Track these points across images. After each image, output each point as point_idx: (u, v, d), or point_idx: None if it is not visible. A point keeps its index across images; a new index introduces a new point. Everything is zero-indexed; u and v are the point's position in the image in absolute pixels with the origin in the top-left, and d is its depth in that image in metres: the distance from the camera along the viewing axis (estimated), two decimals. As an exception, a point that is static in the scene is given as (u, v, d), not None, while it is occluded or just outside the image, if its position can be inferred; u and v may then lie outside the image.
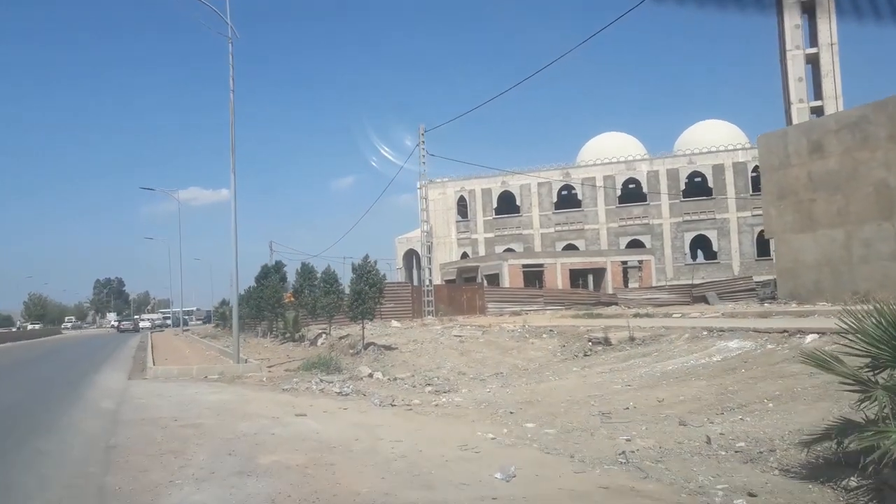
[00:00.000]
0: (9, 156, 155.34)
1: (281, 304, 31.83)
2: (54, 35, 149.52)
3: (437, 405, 10.88)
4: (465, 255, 58.63)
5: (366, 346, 19.85)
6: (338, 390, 13.06)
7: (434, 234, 61.32)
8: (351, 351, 20.71)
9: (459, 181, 60.91)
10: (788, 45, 56.21)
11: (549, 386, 12.16)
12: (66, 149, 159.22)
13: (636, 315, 29.30)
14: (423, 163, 33.69)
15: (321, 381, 14.19)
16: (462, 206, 61.59)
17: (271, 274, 35.29)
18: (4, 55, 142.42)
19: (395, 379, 14.66)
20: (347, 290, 21.20)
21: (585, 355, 15.39)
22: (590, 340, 16.36)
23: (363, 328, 20.20)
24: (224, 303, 68.61)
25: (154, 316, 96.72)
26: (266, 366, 18.13)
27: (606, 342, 15.63)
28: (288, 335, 29.99)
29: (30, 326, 72.90)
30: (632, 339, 15.48)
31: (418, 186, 65.24)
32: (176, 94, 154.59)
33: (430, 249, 35.51)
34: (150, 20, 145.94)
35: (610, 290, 46.33)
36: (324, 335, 26.82)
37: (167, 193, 42.29)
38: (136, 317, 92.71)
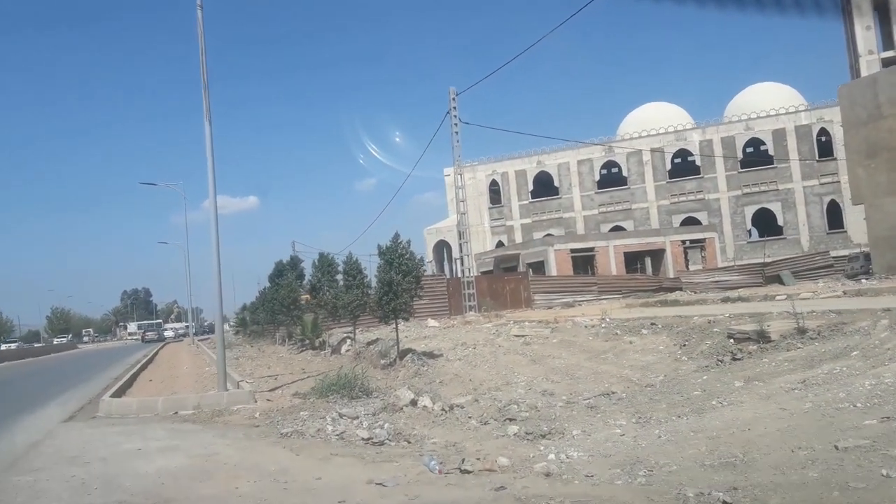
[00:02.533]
0: (42, 169, 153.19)
1: (298, 306, 27.08)
2: (85, 44, 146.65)
3: (546, 473, 5.89)
4: (500, 244, 53.47)
5: (401, 355, 14.93)
6: (366, 435, 8.17)
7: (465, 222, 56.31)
8: (382, 361, 15.82)
9: (490, 164, 55.74)
10: (853, -10, 50.10)
11: (727, 421, 7.07)
12: (98, 160, 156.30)
13: (726, 300, 24.07)
14: (456, 132, 28.70)
15: (341, 415, 9.30)
16: (494, 191, 56.38)
17: (287, 272, 30.57)
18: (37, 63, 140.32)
19: (452, 408, 9.71)
20: (375, 284, 16.31)
21: (735, 359, 10.25)
22: (731, 337, 11.22)
23: (397, 330, 15.26)
24: (244, 308, 64.49)
25: (178, 325, 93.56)
26: (269, 388, 13.30)
27: (762, 337, 10.48)
28: (307, 342, 25.28)
29: (3, 346, 61.00)
30: (801, 331, 10.32)
31: (447, 171, 60.45)
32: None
33: (467, 234, 30.49)
34: (183, 40, 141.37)
35: (671, 274, 40.86)
36: (348, 340, 22.05)
37: (168, 187, 37.96)
38: (160, 326, 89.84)
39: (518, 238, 53.24)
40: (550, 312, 30.15)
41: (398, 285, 14.40)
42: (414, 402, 9.99)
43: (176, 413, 10.70)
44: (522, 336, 16.80)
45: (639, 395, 9.11)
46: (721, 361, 10.33)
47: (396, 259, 14.66)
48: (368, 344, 19.94)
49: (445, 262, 56.58)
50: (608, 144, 53.82)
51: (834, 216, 48.93)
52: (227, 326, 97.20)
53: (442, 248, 55.92)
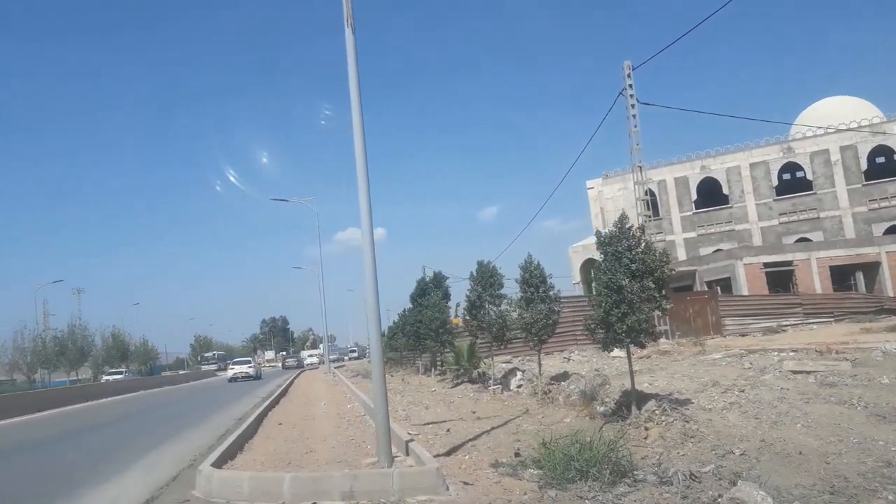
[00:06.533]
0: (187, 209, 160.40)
1: (447, 330, 22.65)
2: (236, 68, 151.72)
3: None
4: (659, 262, 46.79)
5: (639, 402, 9.70)
6: None
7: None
8: (601, 408, 10.70)
9: (645, 171, 49.30)
10: None
11: None
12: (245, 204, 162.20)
13: None
14: (634, 115, 23.41)
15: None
16: (651, 203, 49.85)
17: (430, 291, 26.23)
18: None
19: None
20: (594, 290, 11.32)
21: None
22: None
23: (630, 362, 10.05)
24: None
25: (316, 351, 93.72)
26: (445, 449, 8.55)
27: None
28: (461, 372, 20.60)
29: (104, 378, 50.31)
30: None
31: (590, 184, 54.79)
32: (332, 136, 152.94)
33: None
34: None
35: (891, 292, 33.04)
36: (519, 373, 17.14)
37: (300, 202, 35.18)
38: (298, 354, 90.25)
39: (681, 255, 46.44)
40: (752, 341, 23.96)
41: (633, 293, 9.30)
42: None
43: (312, 506, 6.14)
44: (809, 372, 11.18)
45: None
46: None
47: (626, 253, 9.60)
48: (553, 379, 14.91)
49: (594, 284, 50.58)
50: (786, 144, 46.14)
51: None
52: (351, 354, 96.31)
53: (590, 267, 50.04)
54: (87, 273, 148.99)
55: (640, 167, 24.28)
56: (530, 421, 11.12)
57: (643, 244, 9.87)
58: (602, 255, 9.96)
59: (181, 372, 71.16)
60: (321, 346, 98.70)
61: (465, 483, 6.49)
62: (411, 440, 7.93)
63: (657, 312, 10.02)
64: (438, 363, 26.73)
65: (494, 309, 17.21)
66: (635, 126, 23.57)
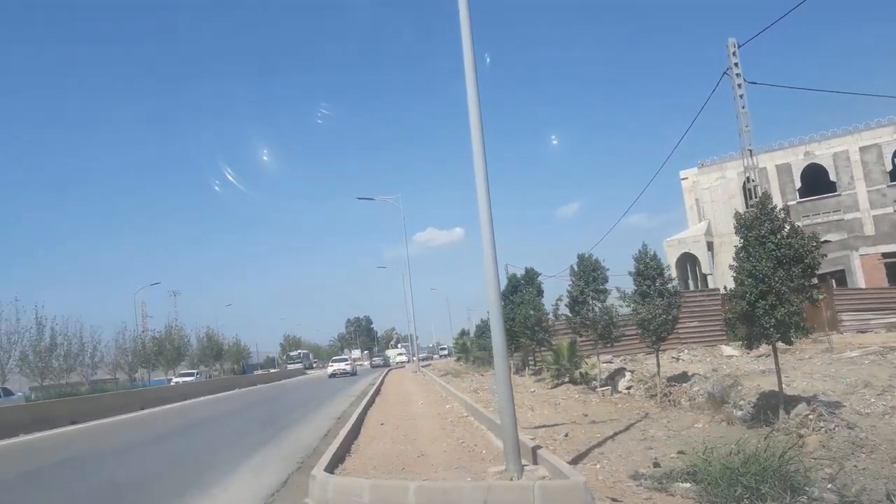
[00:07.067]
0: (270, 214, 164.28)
1: (544, 328, 21.76)
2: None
3: None
4: (760, 255, 44.06)
5: (786, 406, 8.58)
6: None
7: (714, 231, 47.82)
8: (738, 411, 9.63)
9: (742, 159, 46.77)
10: None
11: None
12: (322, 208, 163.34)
13: None
14: (741, 96, 21.79)
15: None
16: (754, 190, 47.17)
17: (522, 287, 25.34)
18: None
19: None
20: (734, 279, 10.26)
21: None
22: None
23: (776, 360, 8.94)
24: (463, 333, 60.89)
25: (403, 349, 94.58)
26: (569, 455, 7.71)
27: None
28: (560, 372, 19.64)
29: (174, 380, 49.42)
30: None
31: (683, 174, 52.51)
32: (415, 137, 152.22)
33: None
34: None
35: None
36: (627, 373, 16.13)
37: (385, 200, 35.03)
38: (383, 353, 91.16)
39: (784, 247, 43.57)
40: (880, 337, 21.88)
41: (780, 282, 8.22)
42: None
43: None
44: None
45: None
46: None
47: (771, 237, 8.53)
48: (670, 380, 13.81)
49: (690, 280, 48.37)
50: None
51: None
52: (441, 352, 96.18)
53: (685, 261, 47.86)
54: (182, 276, 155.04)
55: (751, 150, 22.57)
56: (656, 426, 10.14)
57: (787, 227, 8.77)
58: (742, 240, 8.91)
59: (272, 371, 72.87)
60: (400, 345, 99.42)
61: (613, 500, 5.65)
62: (538, 446, 7.14)
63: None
64: (531, 362, 25.84)
65: (599, 305, 16.22)
66: (743, 107, 21.92)
